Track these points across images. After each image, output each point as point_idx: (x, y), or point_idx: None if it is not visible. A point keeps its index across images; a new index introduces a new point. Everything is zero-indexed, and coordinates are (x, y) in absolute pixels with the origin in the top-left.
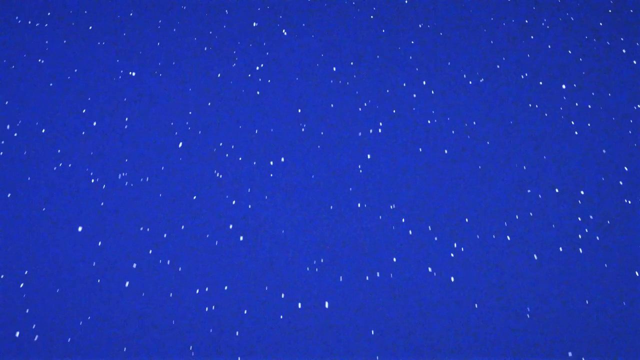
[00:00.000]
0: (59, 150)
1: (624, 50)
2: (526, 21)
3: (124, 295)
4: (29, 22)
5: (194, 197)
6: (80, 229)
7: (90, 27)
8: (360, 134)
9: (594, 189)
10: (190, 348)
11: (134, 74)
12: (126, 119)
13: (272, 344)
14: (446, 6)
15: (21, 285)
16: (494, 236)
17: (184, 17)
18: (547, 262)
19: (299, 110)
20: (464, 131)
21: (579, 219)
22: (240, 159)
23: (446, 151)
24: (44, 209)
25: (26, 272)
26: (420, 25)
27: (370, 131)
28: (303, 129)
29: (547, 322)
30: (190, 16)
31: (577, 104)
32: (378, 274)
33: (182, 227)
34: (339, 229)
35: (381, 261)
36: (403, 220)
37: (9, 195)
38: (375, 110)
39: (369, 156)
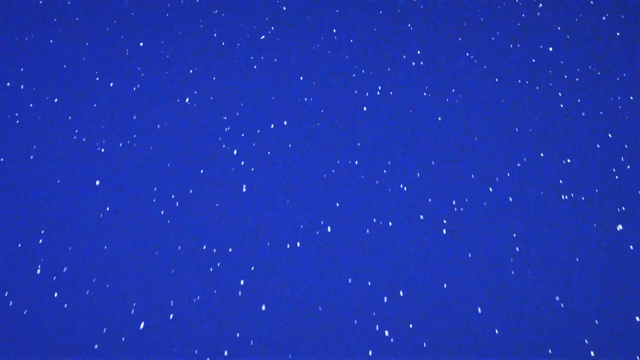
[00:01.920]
0: (58, 150)
1: (624, 50)
2: (526, 21)
3: (123, 295)
4: (29, 22)
5: (194, 197)
6: (80, 227)
7: (91, 27)
8: (360, 133)
9: (594, 189)
10: (190, 348)
11: (134, 73)
12: (126, 118)
13: (272, 344)
14: (446, 6)
15: (21, 285)
16: (493, 235)
17: (184, 17)
18: (547, 262)
19: (299, 109)
20: (464, 131)
21: (579, 218)
22: (240, 158)
23: (446, 152)
24: (43, 208)
25: (26, 272)
26: (420, 25)
27: (371, 131)
28: (303, 129)
29: (547, 322)
30: (190, 16)
31: (577, 104)
32: (378, 274)
33: (182, 227)
34: (339, 229)
35: (381, 261)
36: (403, 219)
37: (9, 195)
38: (376, 110)
39: (369, 156)
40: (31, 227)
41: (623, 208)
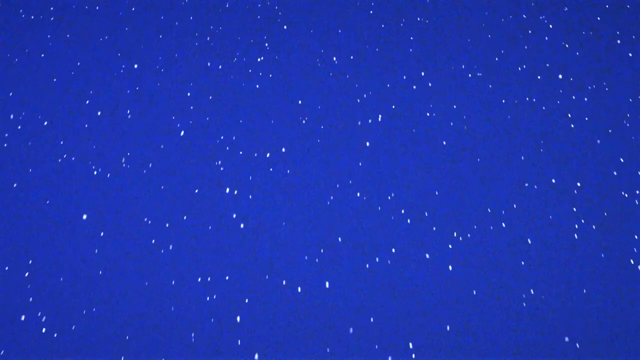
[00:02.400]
0: (58, 150)
1: (624, 50)
2: (526, 21)
3: (124, 295)
4: (29, 22)
5: (194, 197)
6: (80, 227)
7: (90, 27)
8: (360, 133)
9: (593, 189)
10: (190, 348)
11: (134, 73)
12: (126, 118)
13: (272, 344)
14: (446, 6)
15: (21, 285)
16: (493, 235)
17: (184, 17)
18: (547, 262)
19: (299, 110)
20: (464, 131)
21: (579, 218)
22: (240, 158)
23: (446, 151)
24: (44, 208)
25: (26, 272)
26: (420, 25)
27: (370, 131)
28: (303, 128)
29: (547, 322)
30: (190, 16)
31: (577, 104)
32: (378, 274)
33: (182, 226)
34: (339, 228)
35: (381, 261)
36: (403, 219)
37: (9, 195)
38: (376, 109)
39: (368, 155)
40: (31, 227)
41: (622, 207)
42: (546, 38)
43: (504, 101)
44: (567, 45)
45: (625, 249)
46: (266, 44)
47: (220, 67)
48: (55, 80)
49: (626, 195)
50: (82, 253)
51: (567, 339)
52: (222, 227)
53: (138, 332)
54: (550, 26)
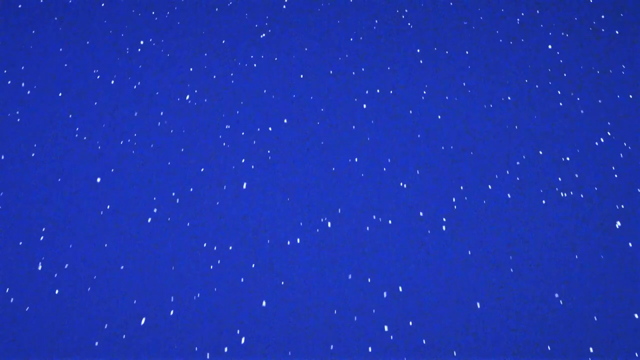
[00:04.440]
0: (58, 150)
1: (624, 50)
2: (526, 21)
3: (124, 295)
4: (29, 22)
5: (195, 197)
6: (80, 227)
7: (90, 27)
8: (360, 133)
9: (594, 189)
10: (190, 348)
11: (134, 74)
12: (126, 118)
13: (272, 344)
14: (446, 6)
15: (21, 286)
16: (494, 236)
17: (184, 17)
18: (547, 262)
19: (299, 110)
20: (464, 131)
21: (579, 218)
22: (240, 159)
23: (446, 151)
24: (44, 208)
25: (26, 272)
26: (420, 25)
27: (370, 131)
28: (303, 128)
29: (547, 322)
30: (190, 16)
31: (577, 104)
32: (378, 273)
33: (182, 227)
34: (338, 229)
35: (381, 261)
36: (403, 219)
37: (9, 195)
38: (375, 110)
39: (368, 155)
40: (31, 226)
41: (622, 207)
42: (546, 38)
43: (504, 101)
44: (567, 45)
45: (625, 249)
46: (266, 44)
47: (220, 67)
48: (55, 80)
49: (626, 196)
50: (82, 253)
51: (566, 336)
52: (222, 227)
53: (138, 332)
54: (550, 26)
